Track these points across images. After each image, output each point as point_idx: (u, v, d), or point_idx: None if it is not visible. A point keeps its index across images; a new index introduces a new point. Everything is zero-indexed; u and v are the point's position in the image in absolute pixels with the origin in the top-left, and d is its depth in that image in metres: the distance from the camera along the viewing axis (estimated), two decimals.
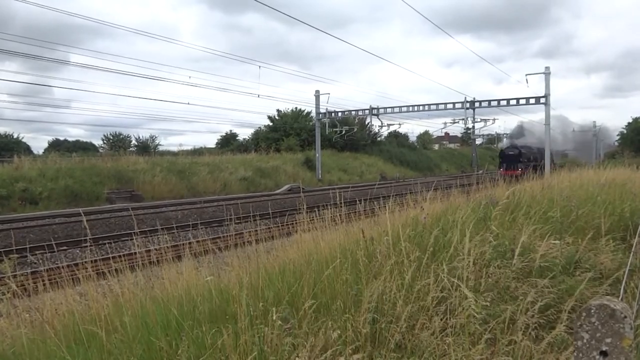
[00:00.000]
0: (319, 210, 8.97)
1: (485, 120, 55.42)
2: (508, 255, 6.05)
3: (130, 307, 5.24)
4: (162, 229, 11.11)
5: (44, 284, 6.13)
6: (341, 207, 8.85)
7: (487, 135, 74.46)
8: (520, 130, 62.96)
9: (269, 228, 10.51)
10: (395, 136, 76.10)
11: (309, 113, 60.87)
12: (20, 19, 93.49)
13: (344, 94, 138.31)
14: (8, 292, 5.45)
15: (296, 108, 63.63)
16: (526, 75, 40.54)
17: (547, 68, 39.38)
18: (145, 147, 65.45)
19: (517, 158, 48.21)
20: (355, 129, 54.78)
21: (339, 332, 4.20)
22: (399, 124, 54.76)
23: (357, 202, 10.82)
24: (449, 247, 6.00)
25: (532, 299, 4.78)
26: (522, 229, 6.85)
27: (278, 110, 64.42)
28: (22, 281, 6.49)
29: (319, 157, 48.95)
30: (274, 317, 4.08)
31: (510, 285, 5.51)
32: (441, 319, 4.46)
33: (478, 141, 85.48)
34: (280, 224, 10.58)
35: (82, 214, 8.84)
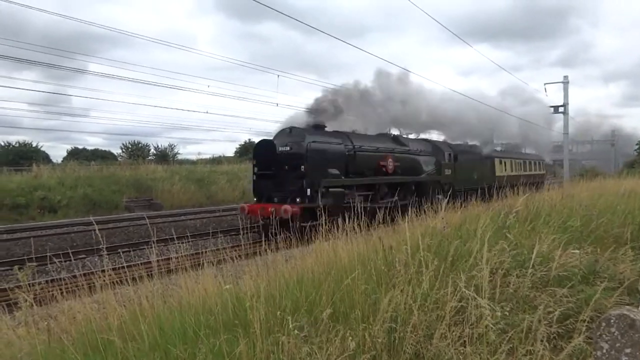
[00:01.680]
0: (337, 219, 8.95)
1: None
2: (527, 264, 5.99)
3: (147, 315, 5.25)
4: (180, 237, 11.12)
5: (62, 292, 6.14)
6: (360, 215, 8.83)
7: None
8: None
9: (287, 236, 10.51)
10: None
11: None
12: (39, 28, 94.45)
13: None
14: (26, 301, 5.46)
15: None
16: (545, 84, 40.20)
17: (565, 77, 39.28)
18: (164, 156, 65.85)
19: (293, 167, 18.42)
20: None
21: (355, 339, 4.17)
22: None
23: (377, 209, 10.80)
24: (469, 256, 5.96)
25: (551, 308, 4.74)
26: (541, 238, 6.78)
27: None
28: (39, 290, 6.51)
29: None
30: (291, 326, 4.07)
31: (529, 294, 5.46)
32: (459, 329, 4.43)
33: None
34: (299, 232, 10.56)
35: (94, 223, 8.85)
